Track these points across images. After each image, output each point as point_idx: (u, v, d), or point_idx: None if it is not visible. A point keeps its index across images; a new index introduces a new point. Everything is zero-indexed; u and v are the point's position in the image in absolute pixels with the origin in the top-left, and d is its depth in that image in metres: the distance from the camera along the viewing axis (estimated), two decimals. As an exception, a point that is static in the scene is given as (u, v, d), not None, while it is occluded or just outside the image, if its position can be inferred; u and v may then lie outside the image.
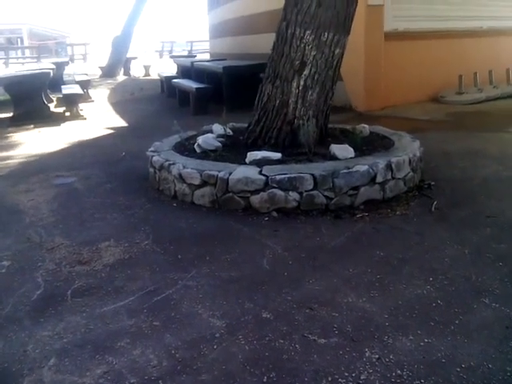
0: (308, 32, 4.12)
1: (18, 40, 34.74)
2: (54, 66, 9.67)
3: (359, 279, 2.58)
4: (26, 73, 7.91)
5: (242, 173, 3.56)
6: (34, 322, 2.30)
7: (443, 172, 4.43)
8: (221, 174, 3.58)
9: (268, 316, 2.27)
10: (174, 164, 3.89)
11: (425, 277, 2.58)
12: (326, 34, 4.13)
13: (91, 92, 11.27)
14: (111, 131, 7.14)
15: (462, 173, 4.42)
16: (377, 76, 7.97)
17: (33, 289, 2.60)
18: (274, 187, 3.48)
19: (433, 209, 3.56)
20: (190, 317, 2.28)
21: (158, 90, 12.17)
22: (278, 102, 4.30)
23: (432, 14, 8.76)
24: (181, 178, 3.78)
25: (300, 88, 4.23)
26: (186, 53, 27.90)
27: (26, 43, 33.02)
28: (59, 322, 2.28)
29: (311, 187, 3.50)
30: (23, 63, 20.11)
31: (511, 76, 9.30)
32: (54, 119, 7.93)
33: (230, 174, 3.56)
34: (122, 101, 10.92)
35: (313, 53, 4.16)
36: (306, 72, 4.20)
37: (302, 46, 4.16)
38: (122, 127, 7.58)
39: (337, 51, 4.25)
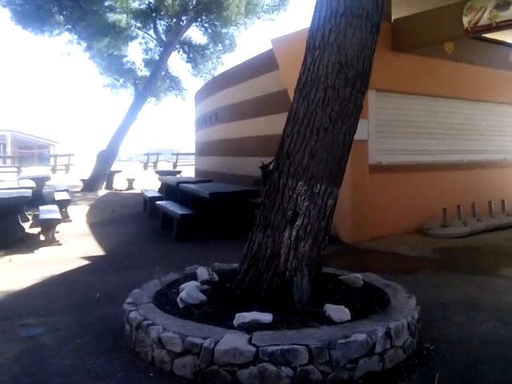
0: (301, 183, 4.03)
1: (1, 146, 35.15)
2: (33, 185, 9.44)
3: None
4: (1, 196, 7.58)
5: (229, 342, 3.18)
6: None
7: (440, 330, 4.15)
8: (205, 343, 3.19)
9: None
10: (153, 325, 3.50)
11: None
12: (319, 185, 4.04)
13: (70, 209, 10.98)
14: (87, 262, 6.72)
15: (460, 331, 4.15)
16: (363, 208, 7.98)
17: None
18: (265, 361, 3.10)
19: (436, 384, 3.23)
20: None
21: (140, 208, 11.95)
22: (268, 251, 4.08)
23: (414, 148, 9.06)
24: (160, 342, 3.38)
25: (292, 239, 4.04)
26: (171, 164, 28.57)
27: (9, 150, 33.41)
28: None
29: (306, 361, 3.13)
30: (3, 174, 20.05)
31: (493, 209, 9.40)
32: (28, 243, 7.56)
33: (216, 343, 3.19)
34: (101, 221, 10.58)
35: (305, 203, 4.04)
36: (298, 222, 4.04)
37: (295, 196, 4.04)
38: (99, 257, 7.15)
39: (329, 202, 4.13)
